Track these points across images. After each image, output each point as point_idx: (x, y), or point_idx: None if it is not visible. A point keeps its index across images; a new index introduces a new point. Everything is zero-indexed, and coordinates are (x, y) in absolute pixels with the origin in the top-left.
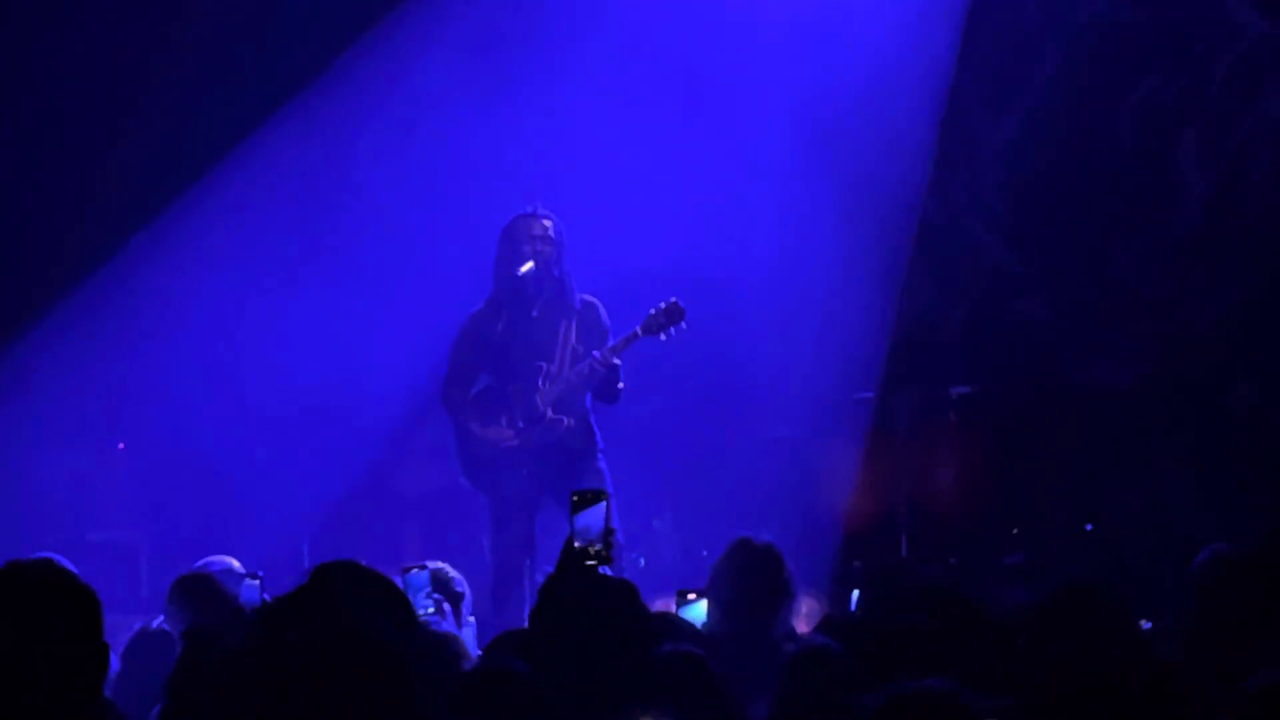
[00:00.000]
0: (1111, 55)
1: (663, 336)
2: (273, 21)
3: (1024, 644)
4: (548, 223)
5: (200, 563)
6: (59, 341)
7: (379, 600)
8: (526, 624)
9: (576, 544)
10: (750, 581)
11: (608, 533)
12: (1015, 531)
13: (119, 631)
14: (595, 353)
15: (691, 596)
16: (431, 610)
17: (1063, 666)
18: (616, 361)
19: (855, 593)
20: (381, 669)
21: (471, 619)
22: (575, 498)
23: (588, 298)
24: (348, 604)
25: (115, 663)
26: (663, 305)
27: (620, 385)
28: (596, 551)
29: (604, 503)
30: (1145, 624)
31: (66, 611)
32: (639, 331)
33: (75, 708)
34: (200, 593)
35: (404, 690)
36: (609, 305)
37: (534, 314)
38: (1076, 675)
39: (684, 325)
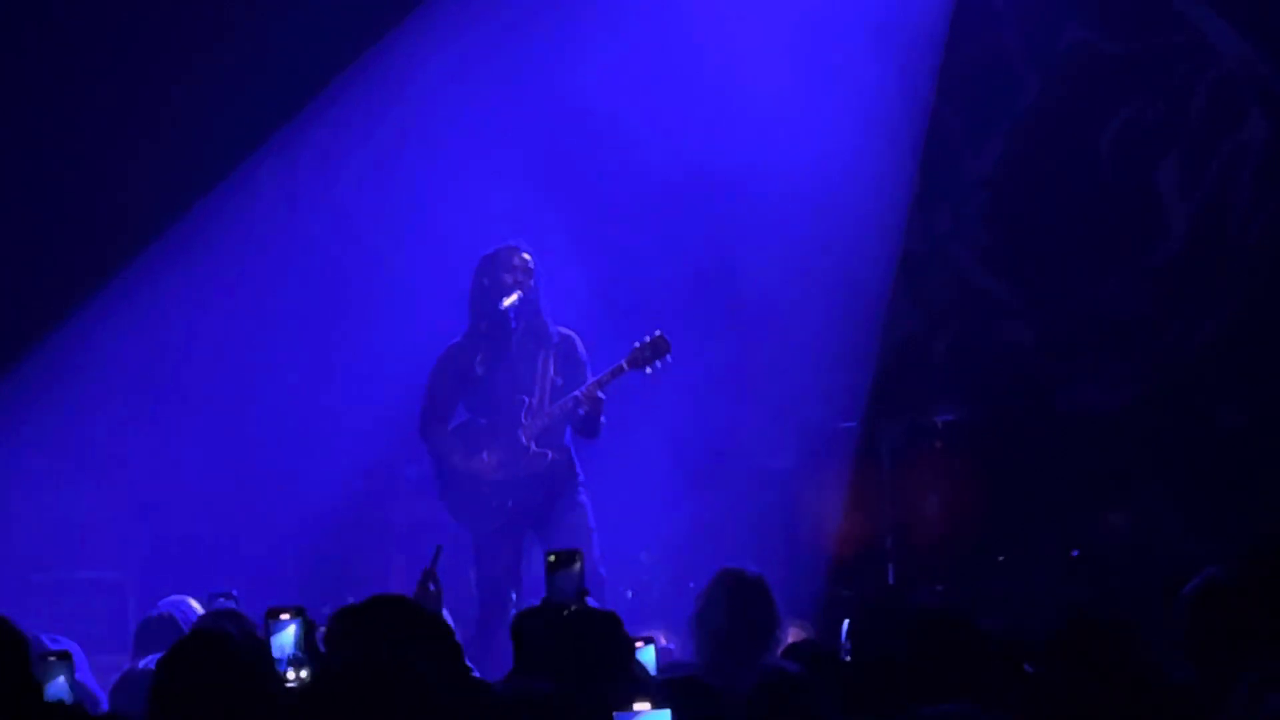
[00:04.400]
0: (1091, 82)
1: (648, 370)
2: (255, 54)
3: (1034, 671)
4: (527, 255)
5: (162, 603)
6: (43, 381)
7: (424, 638)
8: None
9: (553, 601)
10: (737, 611)
11: (581, 593)
12: (1001, 559)
13: (106, 671)
14: (580, 388)
15: (639, 644)
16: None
17: (1077, 694)
18: (601, 396)
19: (845, 622)
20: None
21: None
22: (551, 558)
23: (565, 330)
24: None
25: (104, 703)
26: (648, 339)
27: (602, 420)
28: (571, 611)
29: (578, 563)
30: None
31: None
32: (624, 365)
33: None
34: (166, 634)
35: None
36: (590, 335)
37: (513, 347)
38: (1091, 703)
39: (669, 359)
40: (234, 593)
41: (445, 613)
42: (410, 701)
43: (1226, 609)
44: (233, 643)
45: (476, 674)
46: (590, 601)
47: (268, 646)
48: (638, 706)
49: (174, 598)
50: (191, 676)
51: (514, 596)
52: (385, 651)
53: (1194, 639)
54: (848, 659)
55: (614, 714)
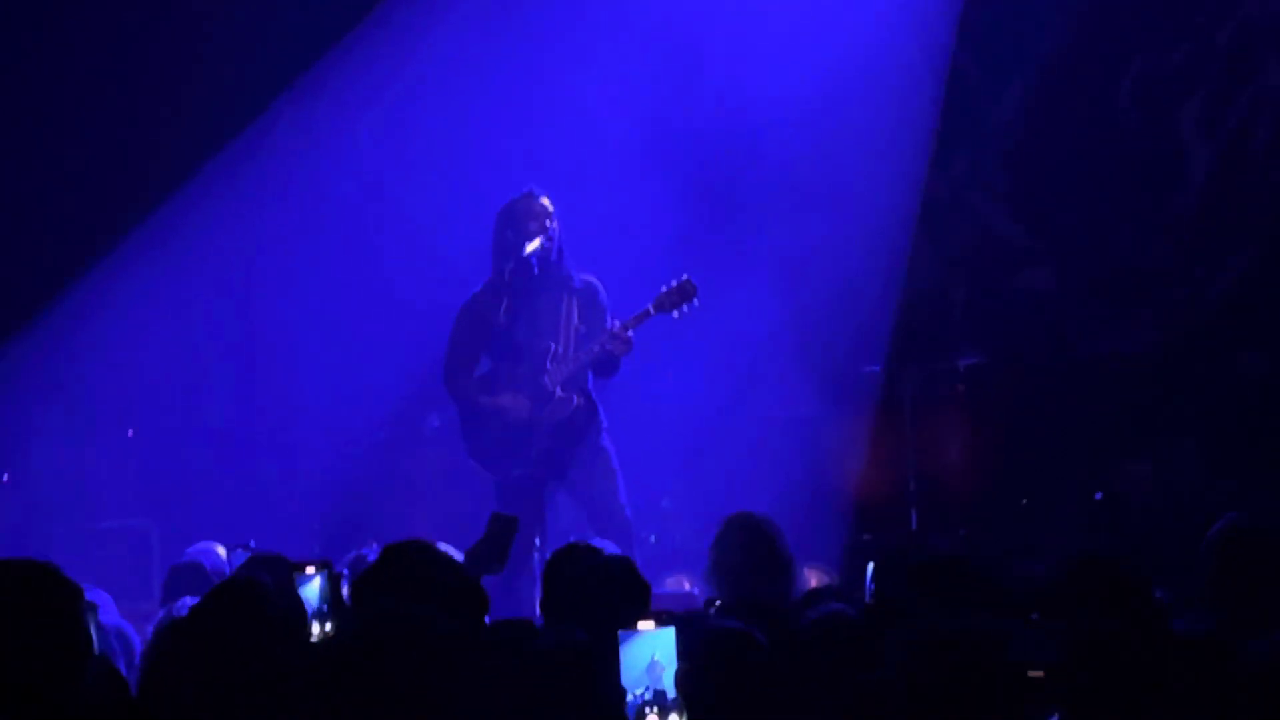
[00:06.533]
0: (1112, 28)
1: (675, 314)
2: (271, 6)
3: (1040, 616)
4: (546, 203)
5: (189, 551)
6: (68, 331)
7: (449, 583)
8: (536, 599)
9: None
10: (749, 552)
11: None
12: (1024, 502)
13: (133, 618)
14: (614, 323)
15: (656, 624)
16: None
17: (1079, 638)
18: (631, 338)
19: (870, 566)
20: (444, 656)
21: None
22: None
23: (586, 277)
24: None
25: (138, 645)
26: (674, 283)
27: (622, 362)
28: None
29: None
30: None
31: (44, 606)
32: (651, 309)
33: (54, 696)
34: (193, 581)
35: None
36: (614, 285)
37: (536, 294)
38: (1093, 647)
39: (696, 303)
40: (251, 544)
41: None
42: (432, 658)
43: (1250, 556)
44: (267, 594)
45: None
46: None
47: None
48: (642, 625)
49: (201, 545)
50: (223, 625)
51: (538, 541)
52: (409, 607)
53: (1217, 586)
54: (870, 603)
55: (619, 633)
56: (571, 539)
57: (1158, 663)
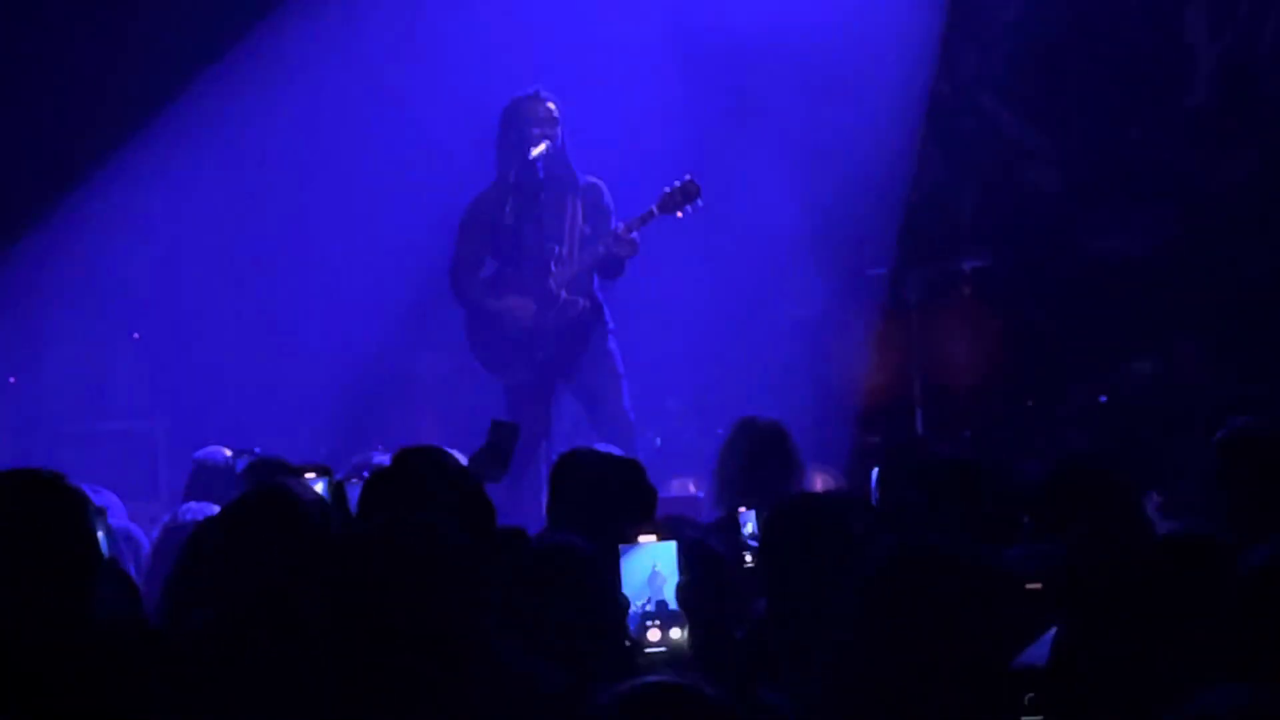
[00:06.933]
0: None
1: (679, 214)
2: None
3: (1031, 520)
4: (552, 105)
5: (196, 456)
6: (70, 232)
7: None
8: (542, 503)
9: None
10: (757, 458)
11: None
12: (1030, 404)
13: (138, 519)
14: (618, 225)
15: (656, 538)
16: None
17: (1068, 549)
18: (635, 239)
19: (875, 471)
20: (453, 565)
21: None
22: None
23: (591, 178)
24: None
25: (146, 546)
26: (678, 183)
27: (626, 262)
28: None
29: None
30: (1155, 497)
31: (50, 514)
32: (655, 210)
33: (65, 605)
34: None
35: (473, 585)
36: (619, 185)
37: (541, 196)
38: (1080, 556)
39: (700, 203)
40: (256, 449)
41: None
42: (436, 566)
43: (1253, 462)
44: (298, 502)
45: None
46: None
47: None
48: (643, 539)
49: (208, 449)
50: (259, 532)
51: (544, 445)
52: (414, 513)
53: (1218, 491)
54: (875, 504)
55: (620, 547)
56: (576, 442)
57: (1146, 570)
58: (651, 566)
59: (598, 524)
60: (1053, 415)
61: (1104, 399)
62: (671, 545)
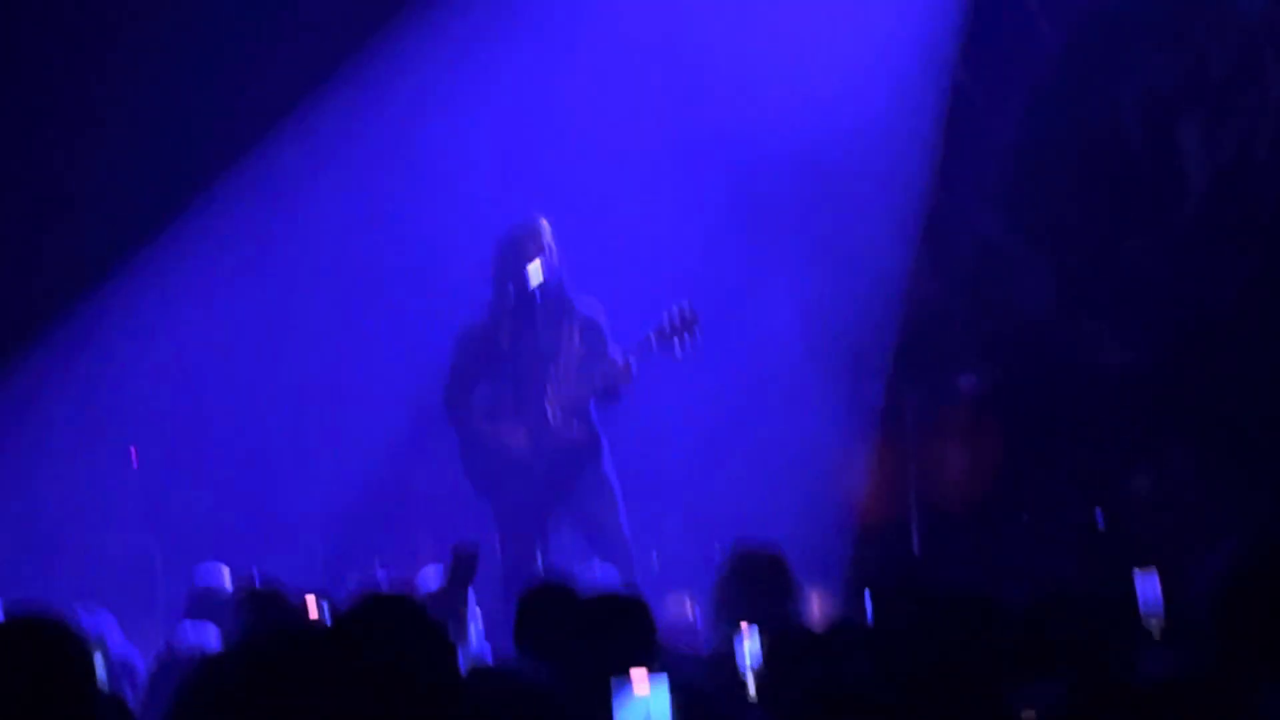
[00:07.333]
0: (1113, 40)
1: (677, 344)
2: (270, 32)
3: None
4: (548, 229)
5: (197, 573)
6: (68, 351)
7: (423, 640)
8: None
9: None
10: (754, 585)
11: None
12: (1025, 519)
13: (136, 637)
14: (609, 358)
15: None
16: None
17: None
18: (633, 364)
19: (866, 592)
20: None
21: (477, 610)
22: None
23: (587, 302)
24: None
25: (141, 672)
26: (676, 312)
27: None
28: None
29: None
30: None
31: (54, 668)
32: (653, 339)
33: None
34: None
35: None
36: (614, 307)
37: (538, 319)
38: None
39: (698, 332)
40: (255, 572)
41: (470, 592)
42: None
43: (1251, 594)
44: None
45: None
46: (604, 576)
47: None
48: (635, 675)
49: (207, 566)
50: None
51: (540, 568)
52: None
53: (1218, 624)
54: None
55: (613, 691)
56: (573, 562)
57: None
58: (645, 715)
59: (578, 663)
60: (1049, 532)
61: (1099, 513)
62: (665, 694)
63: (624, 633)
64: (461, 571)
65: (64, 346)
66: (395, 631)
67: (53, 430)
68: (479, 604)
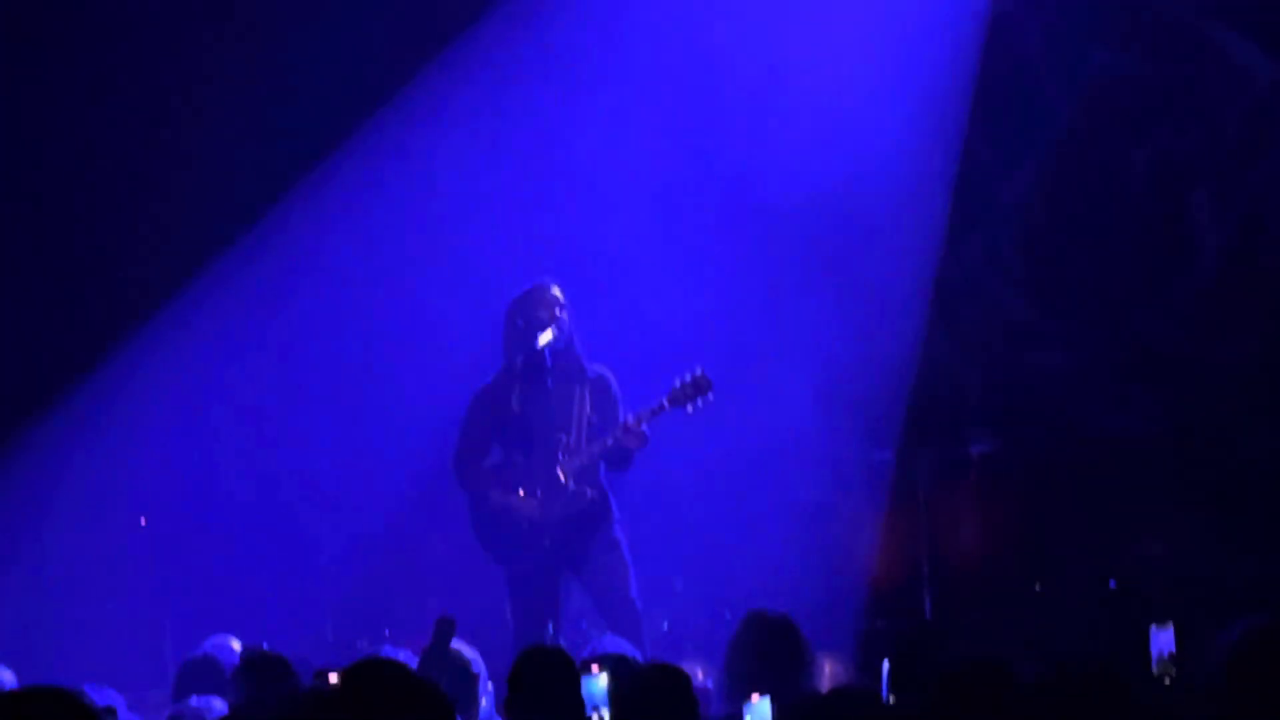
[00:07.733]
0: (1122, 108)
1: (689, 408)
2: (292, 101)
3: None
4: (559, 293)
5: (205, 644)
6: (77, 421)
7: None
8: None
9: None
10: (767, 653)
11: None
12: (1038, 588)
13: (143, 708)
14: (622, 423)
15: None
16: None
17: None
18: (646, 432)
19: (885, 664)
20: None
21: (490, 686)
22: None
23: (599, 367)
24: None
25: None
26: (689, 376)
27: (635, 454)
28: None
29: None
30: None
31: None
32: (665, 404)
33: None
34: (207, 675)
35: None
36: (626, 371)
37: (549, 384)
38: None
39: (711, 396)
40: (264, 645)
41: (476, 655)
42: None
43: (1267, 671)
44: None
45: None
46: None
47: None
48: None
49: (216, 638)
50: None
51: (551, 630)
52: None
53: (1233, 694)
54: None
55: None
56: (583, 626)
57: None
58: None
59: None
60: (1060, 600)
61: (1113, 583)
62: None
63: (669, 703)
64: (442, 633)
65: (69, 416)
66: (394, 694)
67: (60, 498)
68: (490, 675)
